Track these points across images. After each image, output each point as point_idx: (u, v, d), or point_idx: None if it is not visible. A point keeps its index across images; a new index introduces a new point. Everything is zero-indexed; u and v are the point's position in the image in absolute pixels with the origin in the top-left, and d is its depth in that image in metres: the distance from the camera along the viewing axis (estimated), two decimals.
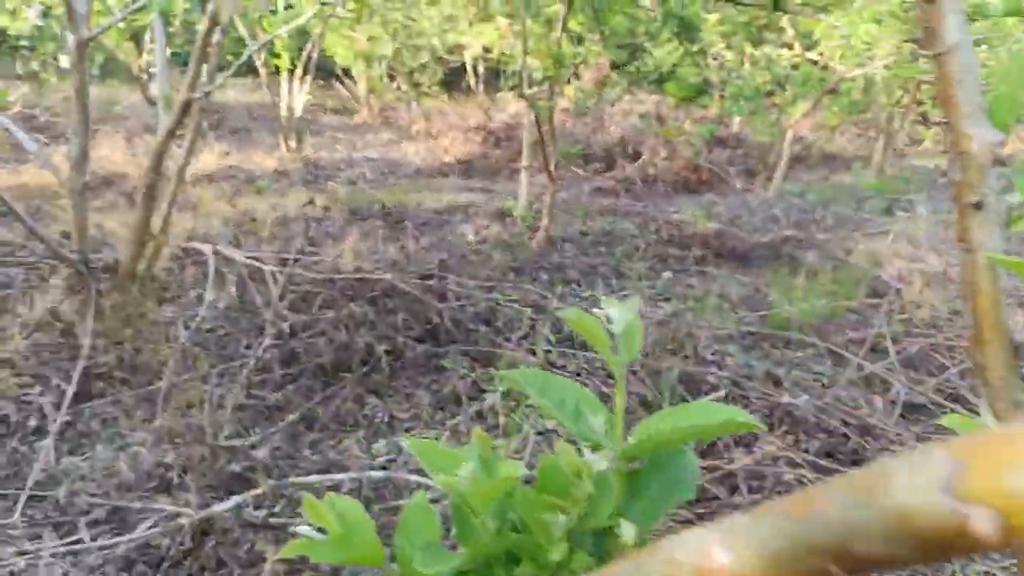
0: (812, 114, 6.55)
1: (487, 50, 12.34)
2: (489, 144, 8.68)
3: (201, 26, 2.64)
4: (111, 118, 9.06)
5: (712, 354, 2.94)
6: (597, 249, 5.08)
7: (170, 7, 3.89)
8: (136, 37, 9.80)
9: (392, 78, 13.69)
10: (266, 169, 7.41)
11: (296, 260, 4.30)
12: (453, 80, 15.86)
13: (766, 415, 2.40)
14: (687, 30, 4.22)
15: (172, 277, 3.78)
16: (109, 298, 2.98)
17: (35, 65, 10.47)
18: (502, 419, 2.57)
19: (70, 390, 2.58)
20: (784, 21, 6.31)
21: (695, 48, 5.20)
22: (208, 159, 7.38)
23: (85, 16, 2.66)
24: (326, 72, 14.24)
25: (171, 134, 2.82)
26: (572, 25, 5.96)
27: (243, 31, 7.14)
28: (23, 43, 10.76)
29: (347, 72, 12.90)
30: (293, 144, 7.79)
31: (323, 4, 2.58)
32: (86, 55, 2.69)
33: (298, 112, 7.81)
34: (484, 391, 2.84)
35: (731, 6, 4.88)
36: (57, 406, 2.57)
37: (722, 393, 2.41)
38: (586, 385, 2.81)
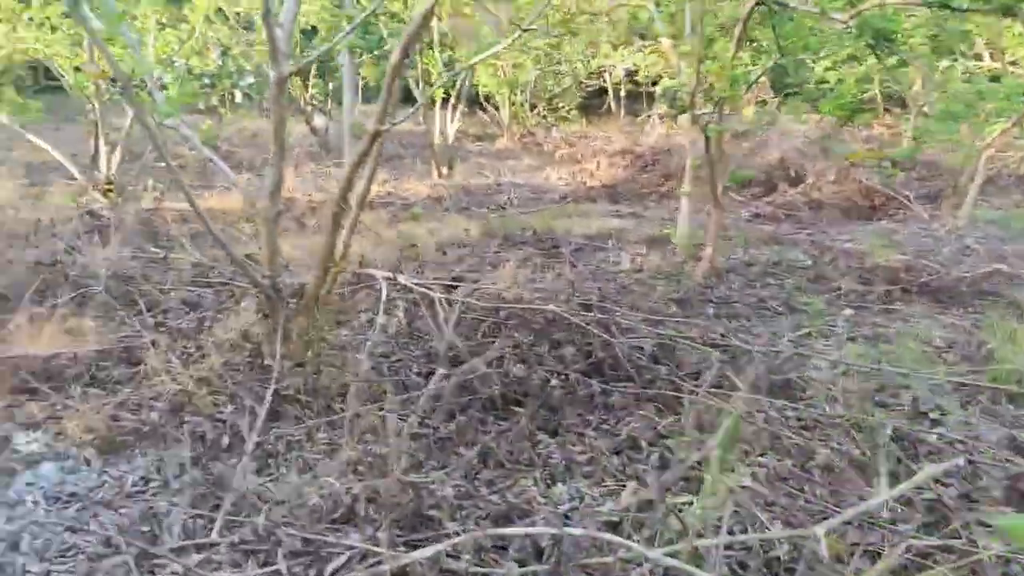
0: (1007, 133, 5.87)
1: (631, 73, 12.22)
2: (635, 168, 8.51)
3: (392, 58, 2.69)
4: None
5: (926, 408, 2.60)
6: (765, 281, 4.76)
7: (357, 42, 4.12)
8: (301, 72, 10.52)
9: (533, 105, 13.87)
10: (419, 195, 7.65)
11: (456, 285, 4.33)
12: (591, 104, 15.87)
13: (1008, 489, 2.06)
14: (883, 41, 3.86)
15: (345, 301, 3.90)
16: (295, 322, 3.09)
17: (215, 100, 11.46)
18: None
19: (262, 413, 2.67)
20: (976, 30, 5.72)
21: (892, 61, 4.77)
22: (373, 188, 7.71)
23: (287, 54, 2.79)
24: (469, 100, 14.68)
25: (359, 164, 2.89)
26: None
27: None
28: (205, 80, 11.78)
29: (488, 99, 13.23)
30: (445, 171, 7.99)
31: (523, 31, 2.53)
32: (286, 91, 2.82)
33: (450, 140, 8.03)
34: (663, 435, 2.66)
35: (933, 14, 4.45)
36: (250, 426, 2.67)
37: (959, 461, 2.09)
38: (778, 437, 2.58)
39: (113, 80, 5.72)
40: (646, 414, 2.77)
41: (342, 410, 2.95)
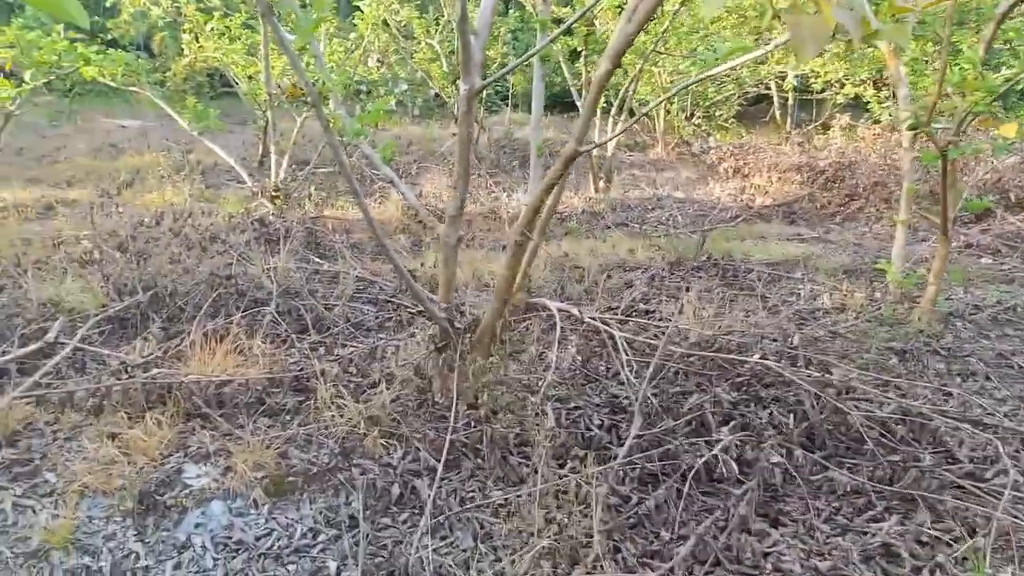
0: None
1: (805, 81, 11.24)
2: (815, 185, 7.69)
3: (599, 68, 2.32)
4: (432, 156, 9.76)
5: None
6: (1001, 330, 3.98)
7: (550, 52, 3.85)
8: (457, 80, 10.50)
9: (691, 115, 13.17)
10: (574, 208, 7.29)
11: (638, 320, 3.90)
12: (748, 113, 14.90)
13: None
14: None
15: (514, 332, 3.59)
16: (468, 358, 2.79)
17: (369, 107, 11.70)
18: None
19: (439, 467, 2.38)
20: None
21: None
22: (518, 197, 7.46)
23: (479, 65, 2.49)
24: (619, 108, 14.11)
25: (549, 189, 2.55)
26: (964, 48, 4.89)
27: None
28: (361, 88, 12.05)
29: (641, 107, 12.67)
30: (602, 184, 7.58)
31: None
32: (475, 105, 2.52)
33: (609, 151, 7.61)
34: (926, 543, 2.10)
35: None
36: (428, 484, 2.39)
37: None
38: None
39: (295, 97, 5.76)
40: (899, 511, 2.22)
41: (518, 463, 2.62)
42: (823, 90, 12.43)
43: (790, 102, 13.69)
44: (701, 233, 6.28)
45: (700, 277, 4.87)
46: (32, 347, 2.76)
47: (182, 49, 9.25)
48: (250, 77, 7.71)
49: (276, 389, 2.85)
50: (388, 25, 9.32)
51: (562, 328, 3.38)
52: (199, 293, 3.50)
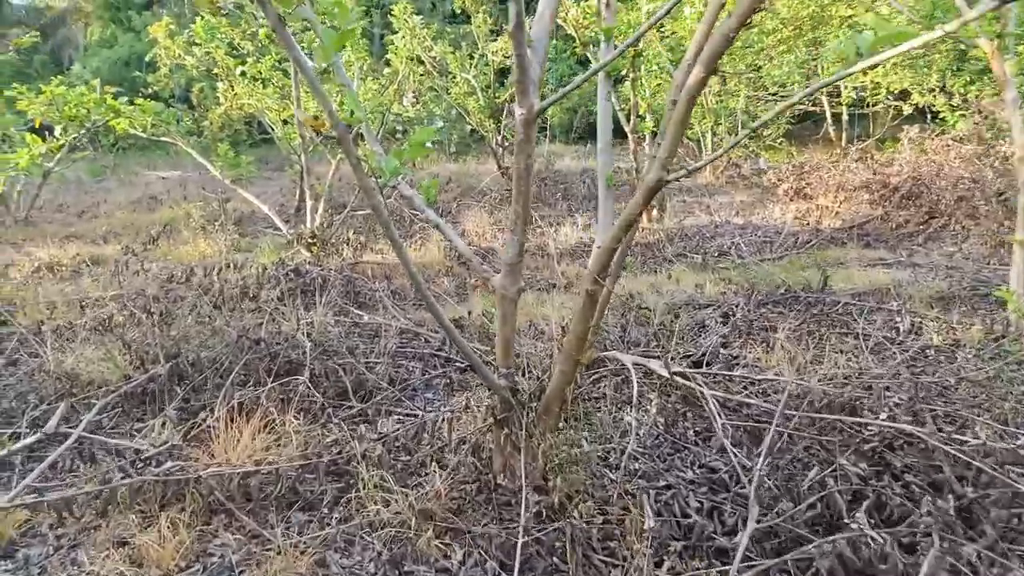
0: None
1: (861, 94, 10.66)
2: (889, 204, 7.09)
3: (689, 79, 1.88)
4: (472, 193, 9.43)
5: None
6: None
7: (617, 67, 3.50)
8: (494, 115, 10.21)
9: (735, 132, 12.65)
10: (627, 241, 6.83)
11: (713, 367, 3.39)
12: (795, 130, 14.31)
13: None
14: None
15: (580, 388, 3.12)
16: (535, 431, 2.33)
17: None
18: None
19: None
20: None
21: None
22: (566, 232, 7.03)
23: (537, 83, 2.08)
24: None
25: (629, 226, 2.10)
26: None
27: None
28: (397, 127, 11.88)
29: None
30: (656, 212, 7.11)
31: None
32: (534, 132, 2.10)
33: None
34: None
35: None
36: None
37: None
38: None
39: (319, 133, 5.43)
40: None
41: (604, 564, 2.13)
42: (877, 103, 11.84)
43: (844, 117, 13.07)
44: (770, 262, 5.74)
45: (781, 313, 4.33)
46: (30, 439, 2.39)
47: (218, 98, 9.17)
48: (285, 122, 7.51)
49: (311, 475, 2.42)
50: (422, 62, 9.11)
51: (638, 384, 2.90)
52: (227, 358, 3.12)
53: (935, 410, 2.72)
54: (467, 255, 2.30)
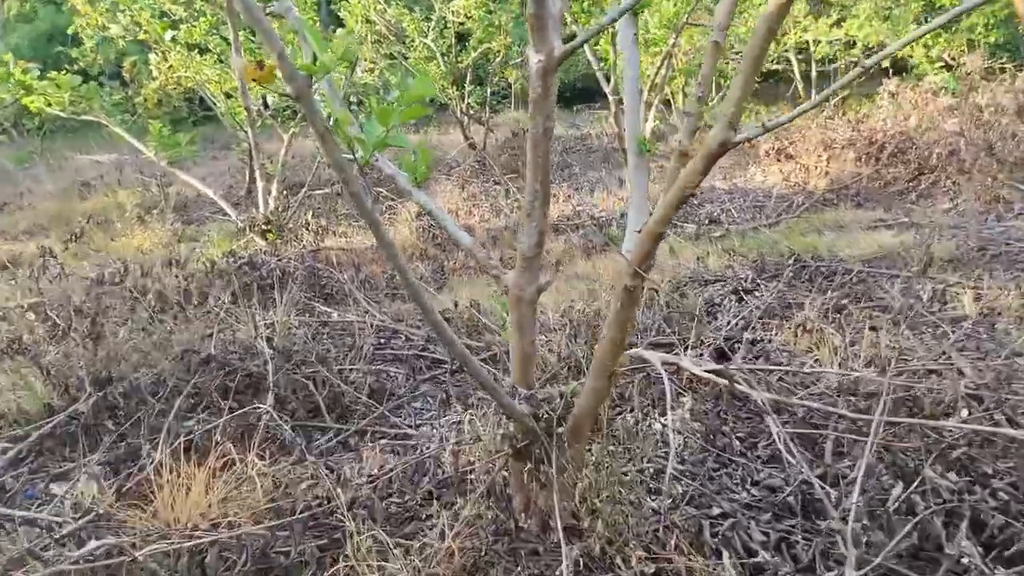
0: None
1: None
2: (878, 162, 6.75)
3: (755, 39, 1.40)
4: (438, 166, 8.83)
5: None
6: None
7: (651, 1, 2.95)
8: (456, 81, 9.56)
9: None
10: (611, 211, 6.37)
11: (741, 356, 2.97)
12: (762, 90, 13.98)
13: None
14: None
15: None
16: (563, 460, 1.87)
17: (362, 118, 10.82)
18: None
19: None
20: None
21: None
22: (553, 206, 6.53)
23: (558, 21, 1.57)
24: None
25: (682, 202, 1.62)
26: None
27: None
28: (351, 99, 11.19)
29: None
30: None
31: None
32: (554, 82, 1.59)
33: None
34: None
35: None
36: None
37: None
38: None
39: (262, 86, 4.85)
40: None
41: None
42: (853, 59, 11.49)
43: (813, 74, 12.74)
44: (767, 228, 5.36)
45: (794, 285, 3.93)
46: None
47: (152, 72, 8.38)
48: (228, 95, 6.81)
49: (284, 533, 1.92)
50: (374, 24, 8.41)
51: (673, 383, 2.45)
52: (171, 380, 2.58)
53: (1010, 399, 2.34)
54: (469, 246, 1.80)
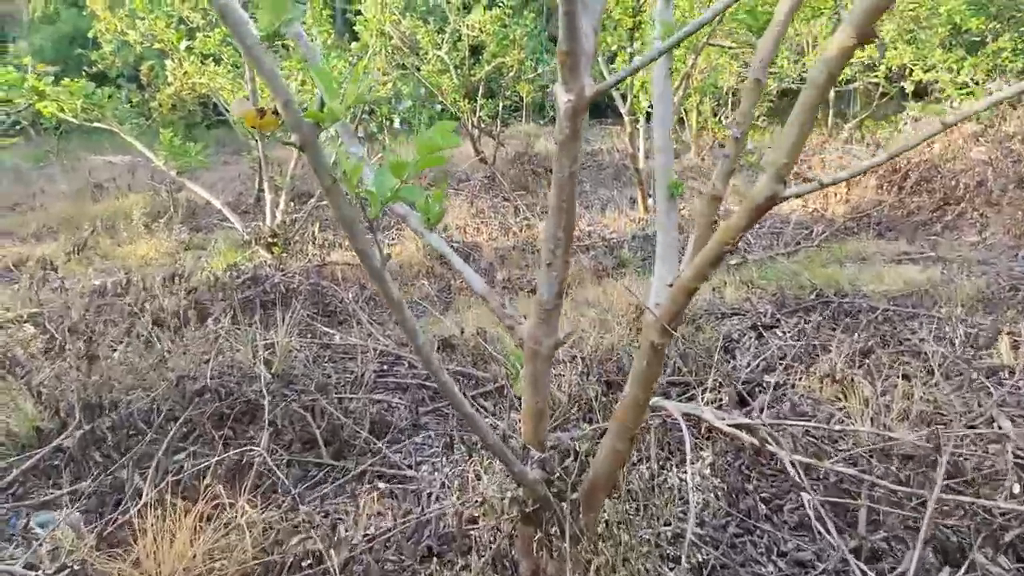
0: None
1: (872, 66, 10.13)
2: (900, 190, 6.60)
3: (830, 50, 1.28)
4: (445, 177, 8.73)
5: None
6: None
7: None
8: (468, 93, 9.47)
9: (715, 114, 12.10)
10: (622, 233, 6.24)
11: (759, 404, 2.83)
12: (778, 109, 13.85)
13: None
14: None
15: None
16: (575, 526, 1.74)
17: (373, 127, 10.75)
18: None
19: None
20: None
21: None
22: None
23: (591, 57, 1.45)
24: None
25: (720, 258, 1.49)
26: None
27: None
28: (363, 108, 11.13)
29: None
30: (651, 201, 6.52)
31: None
32: (582, 124, 1.47)
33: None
34: None
35: None
36: None
37: None
38: None
39: (264, 133, 4.68)
40: None
41: None
42: (876, 80, 11.34)
43: (831, 95, 12.59)
44: (783, 257, 5.22)
45: (816, 323, 3.78)
46: None
47: (167, 77, 8.34)
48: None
49: None
50: (389, 36, 8.33)
51: (693, 437, 2.31)
52: (163, 408, 2.46)
53: None
54: (483, 293, 1.67)
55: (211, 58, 6.34)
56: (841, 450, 2.47)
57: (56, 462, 2.26)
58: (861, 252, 5.34)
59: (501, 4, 8.64)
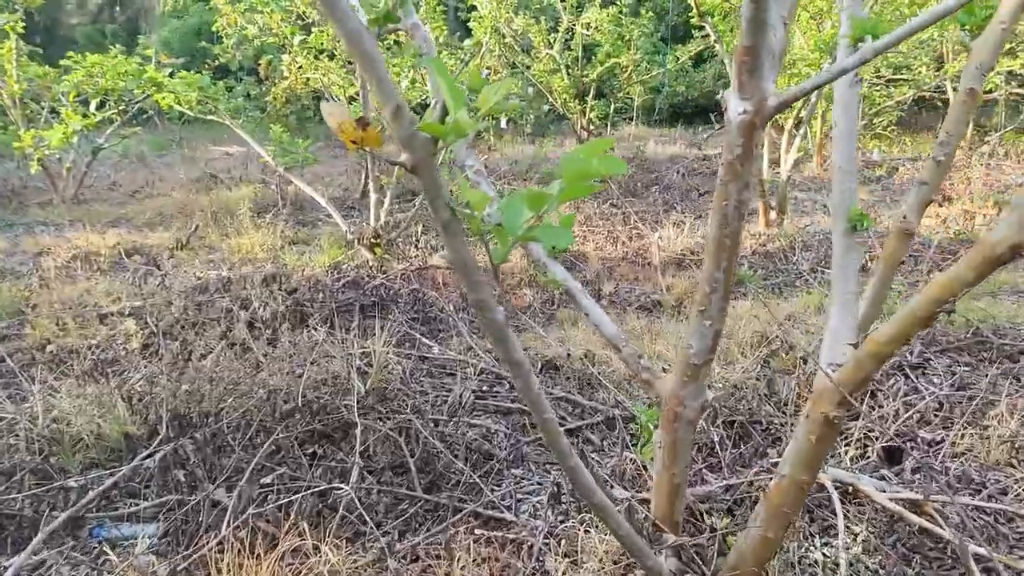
0: None
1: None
2: None
3: None
4: (549, 178, 8.47)
5: None
6: None
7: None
8: (579, 94, 9.19)
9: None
10: (742, 248, 5.78)
11: (911, 471, 2.40)
12: (906, 119, 12.78)
13: None
14: None
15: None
16: None
17: (480, 127, 10.64)
18: None
19: None
20: None
21: None
22: (666, 234, 6.03)
23: (777, 57, 1.14)
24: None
25: (931, 319, 1.16)
26: None
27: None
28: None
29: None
30: (775, 215, 6.03)
31: None
32: (759, 140, 1.17)
33: (785, 174, 6.03)
34: None
35: None
36: None
37: None
38: None
39: (361, 147, 4.52)
40: None
41: None
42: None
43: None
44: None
45: (969, 365, 3.28)
46: None
47: (283, 72, 8.50)
48: (351, 99, 6.73)
49: None
50: (502, 35, 8.16)
51: (845, 515, 1.94)
52: (252, 424, 2.32)
53: None
54: (616, 340, 1.39)
55: (324, 53, 6.36)
56: (1020, 532, 2.05)
57: (138, 478, 2.15)
58: (1017, 284, 4.69)
59: (617, 2, 8.31)
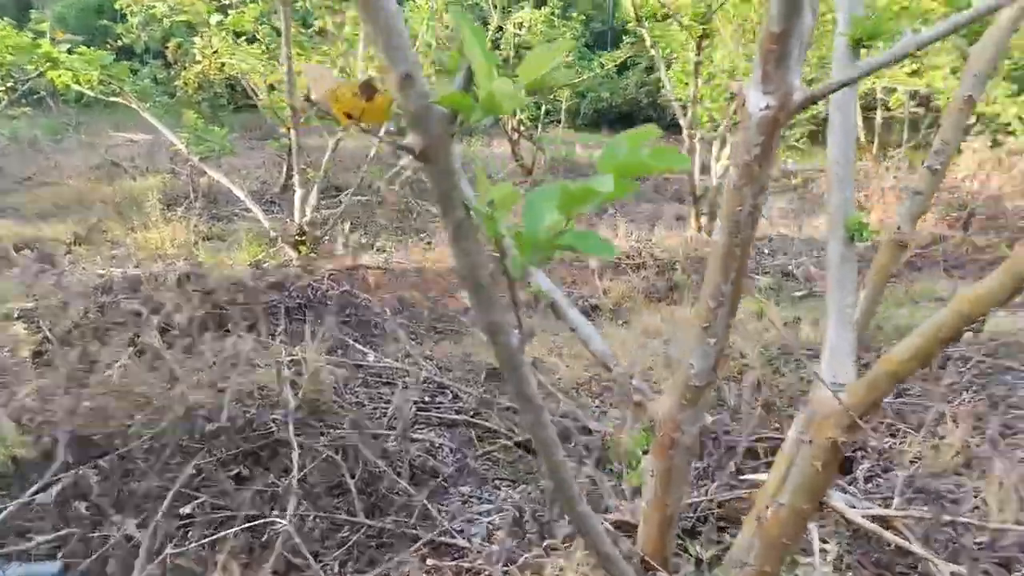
0: None
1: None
2: (968, 228, 6.12)
3: None
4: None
5: None
6: None
7: None
8: None
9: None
10: (672, 252, 5.79)
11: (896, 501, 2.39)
12: (818, 133, 13.34)
13: None
14: None
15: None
16: None
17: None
18: None
19: None
20: None
21: None
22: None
23: (805, 45, 1.02)
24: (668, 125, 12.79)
25: (949, 341, 1.07)
26: None
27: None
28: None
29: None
30: (706, 220, 6.07)
31: None
32: (778, 141, 1.05)
33: (715, 179, 6.08)
34: None
35: None
36: None
37: None
38: None
39: (309, 99, 4.24)
40: None
41: None
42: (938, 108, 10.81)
43: (878, 120, 12.05)
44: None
45: (937, 387, 3.33)
46: None
47: (195, 56, 7.97)
48: (272, 87, 6.33)
49: None
50: (435, 30, 7.92)
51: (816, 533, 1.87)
52: (164, 450, 2.05)
53: None
54: (605, 357, 1.25)
55: (243, 37, 5.95)
56: (980, 544, 2.04)
57: (31, 512, 1.84)
58: (934, 292, 4.87)
59: (548, 3, 8.22)
